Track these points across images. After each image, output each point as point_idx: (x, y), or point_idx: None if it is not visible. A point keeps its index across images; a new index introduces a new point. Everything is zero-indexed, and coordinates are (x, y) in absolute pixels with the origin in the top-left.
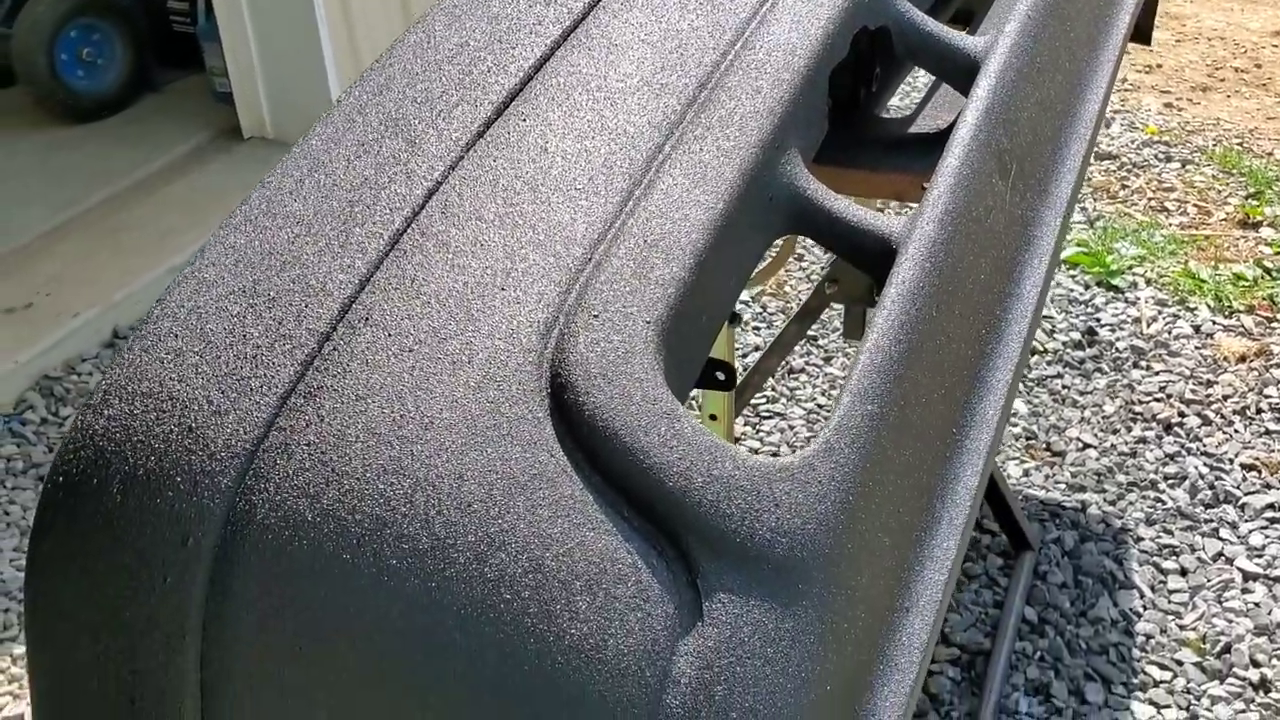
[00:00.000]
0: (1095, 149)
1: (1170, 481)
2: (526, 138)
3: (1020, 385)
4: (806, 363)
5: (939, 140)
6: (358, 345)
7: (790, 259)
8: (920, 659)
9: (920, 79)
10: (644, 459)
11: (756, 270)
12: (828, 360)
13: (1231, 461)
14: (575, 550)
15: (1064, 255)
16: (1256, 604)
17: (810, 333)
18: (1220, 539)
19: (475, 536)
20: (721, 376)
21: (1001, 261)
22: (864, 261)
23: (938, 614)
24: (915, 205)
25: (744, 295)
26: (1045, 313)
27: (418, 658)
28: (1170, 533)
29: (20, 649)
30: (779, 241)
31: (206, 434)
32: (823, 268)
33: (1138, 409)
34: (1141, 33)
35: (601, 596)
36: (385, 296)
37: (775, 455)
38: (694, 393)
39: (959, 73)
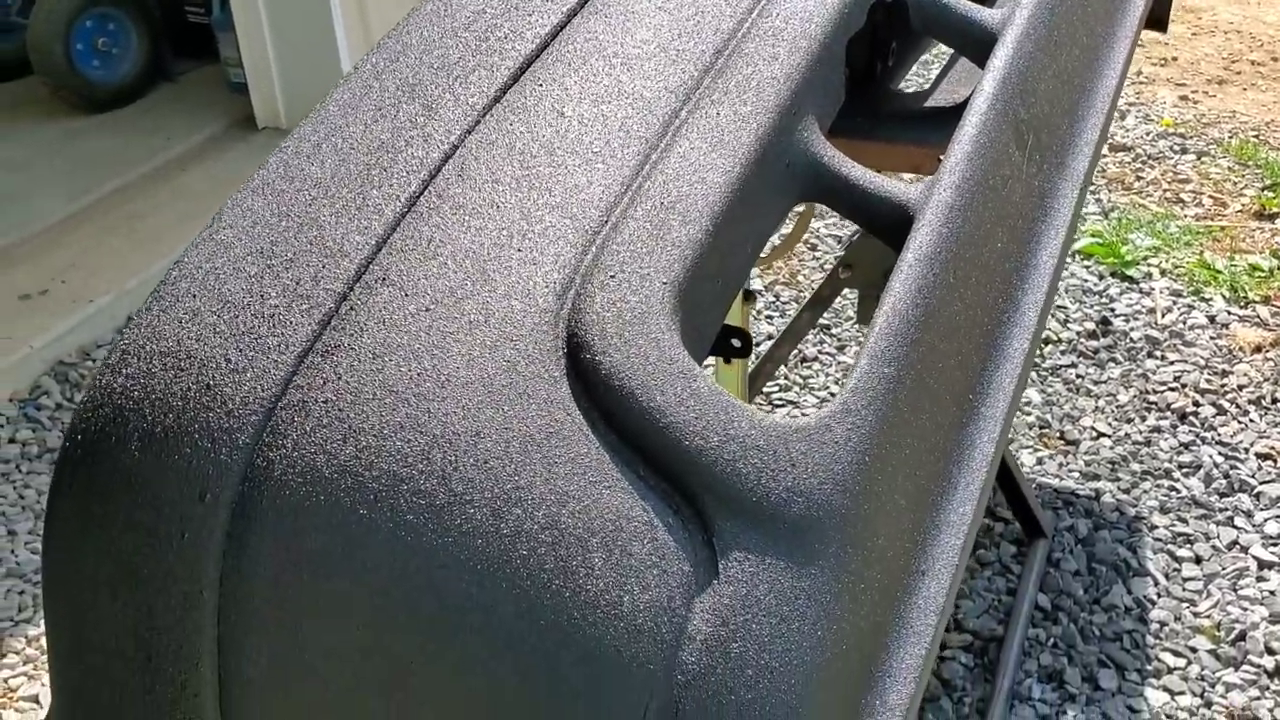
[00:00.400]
0: (1110, 140)
1: (1185, 470)
2: (543, 102)
3: (1034, 374)
4: (820, 351)
5: (956, 114)
6: (375, 305)
7: (803, 249)
8: (936, 623)
9: (934, 64)
10: (660, 418)
11: (771, 247)
12: (841, 349)
13: (1247, 451)
14: (591, 507)
15: (1078, 246)
16: (1271, 592)
17: (823, 321)
18: (1235, 527)
19: (492, 493)
20: (737, 344)
21: (1019, 231)
22: (881, 229)
23: (954, 579)
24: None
25: (758, 285)
26: (1059, 303)
27: (434, 612)
28: (1185, 521)
29: (35, 630)
30: (791, 220)
31: (224, 391)
32: (836, 257)
33: (1152, 398)
34: (1158, 20)
35: (618, 554)
36: (402, 257)
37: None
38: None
39: (976, 45)
